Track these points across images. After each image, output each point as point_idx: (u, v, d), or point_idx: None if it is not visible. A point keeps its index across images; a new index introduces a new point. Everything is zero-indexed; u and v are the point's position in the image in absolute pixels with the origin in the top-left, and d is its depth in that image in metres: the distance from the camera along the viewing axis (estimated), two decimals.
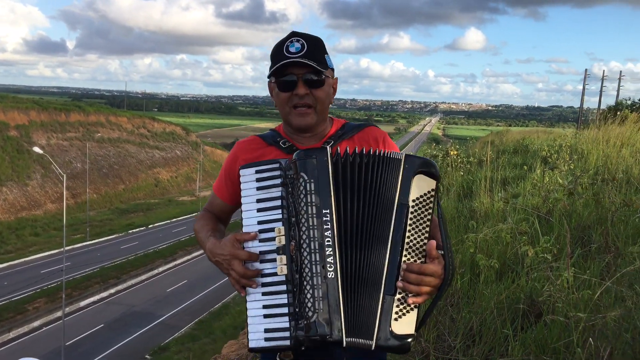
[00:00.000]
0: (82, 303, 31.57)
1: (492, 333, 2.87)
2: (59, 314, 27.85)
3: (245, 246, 1.49)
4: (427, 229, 1.45)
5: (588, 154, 6.97)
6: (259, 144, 1.75)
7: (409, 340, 1.42)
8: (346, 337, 1.38)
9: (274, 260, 1.45)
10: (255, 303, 1.46)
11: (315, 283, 1.39)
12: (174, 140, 78.16)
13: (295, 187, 1.45)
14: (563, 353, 2.48)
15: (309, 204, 1.42)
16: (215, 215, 1.82)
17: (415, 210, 1.44)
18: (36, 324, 28.50)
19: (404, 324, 1.42)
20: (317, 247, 1.40)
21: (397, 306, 1.42)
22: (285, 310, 1.42)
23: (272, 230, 1.46)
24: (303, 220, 1.42)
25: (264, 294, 1.46)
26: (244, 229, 1.50)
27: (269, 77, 1.67)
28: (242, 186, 1.53)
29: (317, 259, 1.40)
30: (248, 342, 1.46)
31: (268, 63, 1.67)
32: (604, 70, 45.34)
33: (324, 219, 1.41)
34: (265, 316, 1.44)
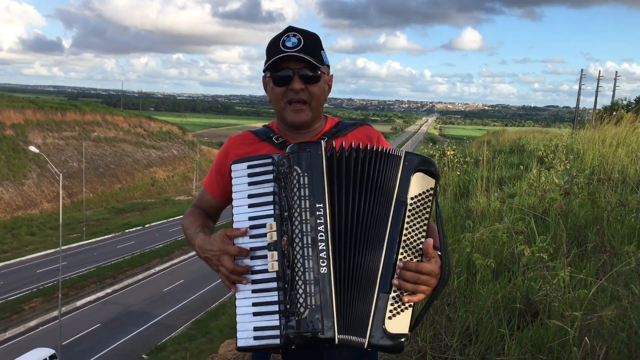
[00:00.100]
0: (79, 303, 31.47)
1: (489, 332, 2.86)
2: (55, 313, 27.82)
3: (236, 242, 1.45)
4: (425, 227, 1.42)
5: (584, 154, 6.98)
6: (252, 139, 1.72)
7: (403, 340, 1.39)
8: (338, 334, 1.34)
9: (265, 257, 1.40)
10: (244, 301, 1.41)
11: (307, 278, 1.33)
12: (171, 140, 78.02)
13: (288, 182, 1.40)
14: (559, 352, 2.48)
15: (302, 198, 1.37)
16: (205, 211, 1.78)
17: (414, 209, 1.42)
18: (32, 323, 28.38)
19: (398, 323, 1.39)
20: (310, 242, 1.35)
21: (392, 304, 1.39)
22: (275, 308, 1.37)
23: (263, 226, 1.41)
24: (296, 215, 1.37)
25: (253, 291, 1.41)
26: (235, 225, 1.46)
27: (264, 71, 1.63)
28: (233, 181, 1.49)
29: (310, 253, 1.35)
30: (236, 341, 1.41)
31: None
32: (600, 71, 45.62)
33: (318, 213, 1.36)
34: (255, 314, 1.39)
